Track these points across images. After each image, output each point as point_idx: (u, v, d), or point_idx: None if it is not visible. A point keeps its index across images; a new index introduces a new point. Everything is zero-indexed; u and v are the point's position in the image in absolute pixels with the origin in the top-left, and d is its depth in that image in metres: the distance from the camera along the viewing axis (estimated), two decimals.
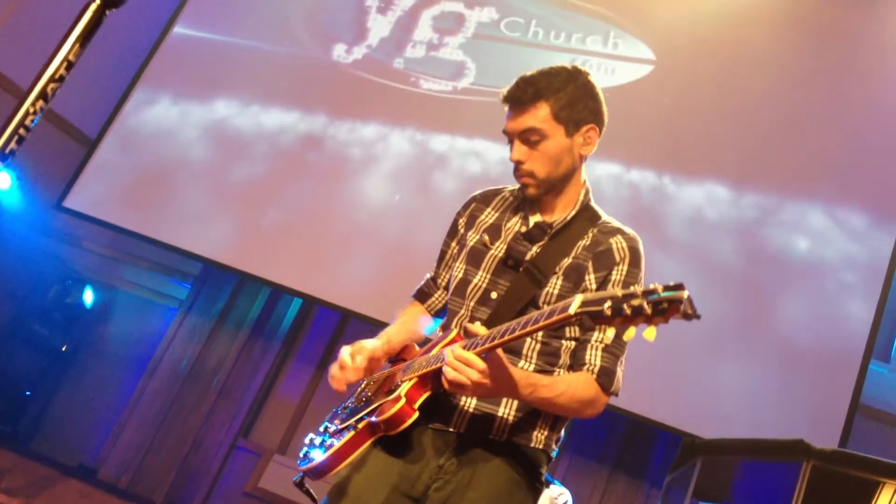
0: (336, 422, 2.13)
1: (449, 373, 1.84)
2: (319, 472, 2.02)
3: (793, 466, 3.00)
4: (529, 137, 2.11)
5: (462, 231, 2.32)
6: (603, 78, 4.86)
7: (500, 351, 1.85)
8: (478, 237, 2.24)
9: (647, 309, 1.54)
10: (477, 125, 5.07)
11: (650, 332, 1.55)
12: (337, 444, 2.00)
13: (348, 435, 2.00)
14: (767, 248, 4.44)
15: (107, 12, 1.37)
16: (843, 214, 4.38)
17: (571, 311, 1.66)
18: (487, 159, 4.97)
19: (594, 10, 5.19)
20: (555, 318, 1.71)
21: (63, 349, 5.90)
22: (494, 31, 5.31)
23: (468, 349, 1.86)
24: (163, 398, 5.54)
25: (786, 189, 4.50)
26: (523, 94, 2.10)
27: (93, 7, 1.36)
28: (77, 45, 1.34)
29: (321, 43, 5.67)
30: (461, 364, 1.83)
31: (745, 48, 4.88)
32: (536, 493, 2.13)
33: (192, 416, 5.45)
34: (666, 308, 1.53)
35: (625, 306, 1.57)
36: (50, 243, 6.01)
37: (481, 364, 1.82)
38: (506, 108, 2.16)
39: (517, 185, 2.28)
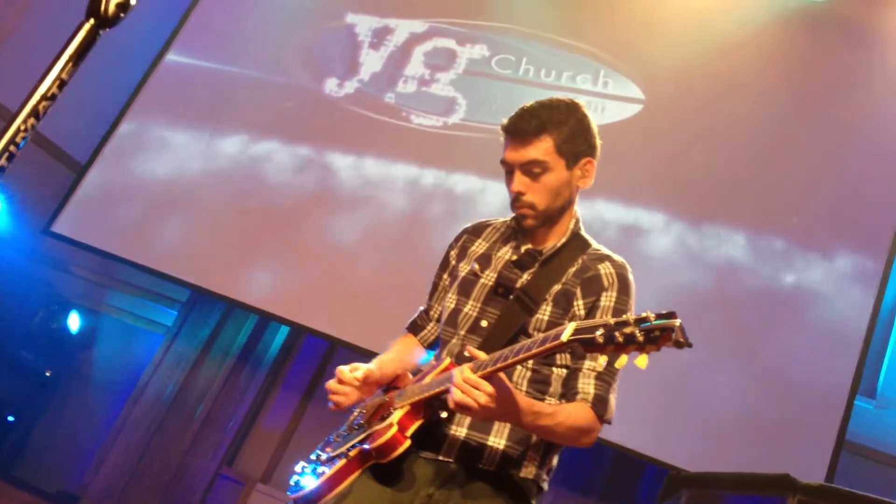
0: (328, 449, 2.13)
1: (456, 394, 1.83)
2: (310, 499, 2.02)
3: (779, 501, 3.00)
4: (532, 169, 2.12)
5: (454, 263, 2.34)
6: (592, 116, 4.88)
7: (503, 376, 1.85)
8: (469, 267, 2.25)
9: (639, 337, 1.57)
10: (467, 160, 5.10)
11: (642, 360, 1.57)
12: (328, 471, 2.00)
13: (340, 462, 2.01)
14: (754, 283, 4.46)
15: (100, 32, 1.35)
16: (832, 250, 4.41)
17: (564, 338, 1.67)
18: (477, 194, 4.99)
19: (584, 49, 5.25)
20: (547, 345, 1.72)
21: (47, 374, 5.85)
22: (485, 68, 5.35)
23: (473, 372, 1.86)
24: (147, 425, 5.48)
25: (775, 224, 4.53)
26: (527, 126, 2.11)
27: (86, 27, 1.34)
28: (70, 64, 1.32)
29: (314, 76, 5.69)
30: (469, 387, 1.83)
31: (735, 87, 4.93)
32: None
33: (177, 444, 5.40)
34: (658, 336, 1.55)
35: (617, 334, 1.59)
36: (36, 268, 5.98)
37: (490, 388, 1.82)
38: (502, 139, 2.17)
39: (507, 217, 2.30)
